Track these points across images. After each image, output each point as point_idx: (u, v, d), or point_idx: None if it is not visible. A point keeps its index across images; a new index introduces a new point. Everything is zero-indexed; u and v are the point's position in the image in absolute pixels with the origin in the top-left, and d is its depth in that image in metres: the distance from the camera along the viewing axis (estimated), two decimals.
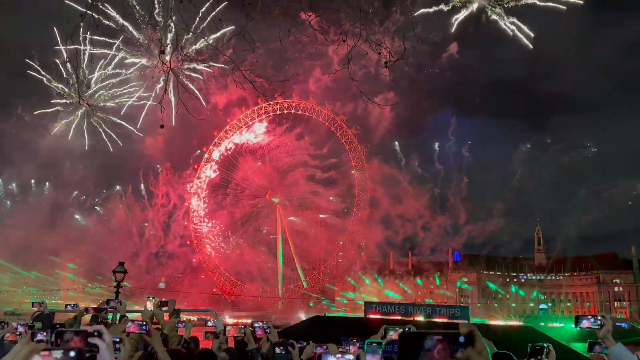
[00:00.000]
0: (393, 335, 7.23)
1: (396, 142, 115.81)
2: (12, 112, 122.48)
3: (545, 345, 5.67)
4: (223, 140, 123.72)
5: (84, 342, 3.04)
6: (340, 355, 3.72)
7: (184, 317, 12.91)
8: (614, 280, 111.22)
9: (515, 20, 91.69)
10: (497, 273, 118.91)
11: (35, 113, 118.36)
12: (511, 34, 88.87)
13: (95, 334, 3.03)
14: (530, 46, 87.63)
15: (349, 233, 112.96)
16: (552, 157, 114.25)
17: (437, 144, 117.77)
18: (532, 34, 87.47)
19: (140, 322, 6.23)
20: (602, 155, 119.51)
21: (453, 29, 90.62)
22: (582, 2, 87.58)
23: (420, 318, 45.66)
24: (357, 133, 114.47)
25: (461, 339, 2.11)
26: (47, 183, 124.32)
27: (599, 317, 5.61)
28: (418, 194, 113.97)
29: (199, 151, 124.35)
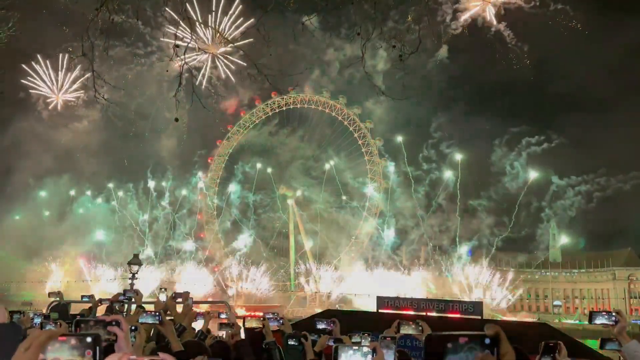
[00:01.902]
0: (406, 329, 7.20)
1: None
2: (32, 109, 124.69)
3: (557, 342, 5.61)
4: (236, 135, 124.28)
5: (103, 331, 3.11)
6: (357, 348, 3.68)
7: (198, 309, 12.97)
8: (630, 277, 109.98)
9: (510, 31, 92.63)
10: (511, 269, 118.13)
11: (49, 109, 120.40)
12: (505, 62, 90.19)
13: (114, 323, 3.10)
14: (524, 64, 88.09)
15: (360, 228, 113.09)
16: (524, 149, 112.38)
17: (430, 143, 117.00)
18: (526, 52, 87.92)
19: (154, 313, 6.29)
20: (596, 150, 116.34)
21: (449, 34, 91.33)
22: (580, 27, 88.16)
23: (433, 313, 45.44)
24: (371, 127, 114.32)
25: (487, 340, 2.09)
26: (62, 176, 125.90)
27: (614, 314, 5.54)
28: (411, 192, 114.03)
29: (201, 151, 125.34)
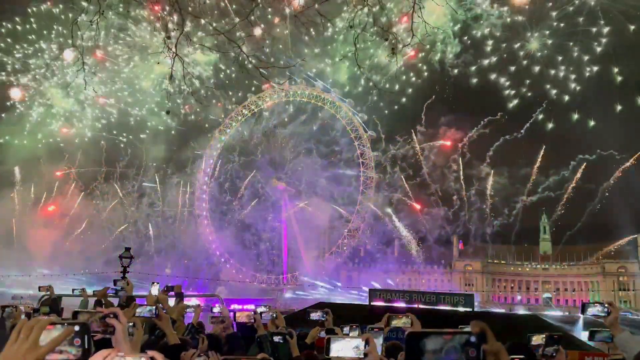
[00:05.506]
0: (397, 323, 7.22)
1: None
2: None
3: (561, 333, 5.62)
4: (229, 127, 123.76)
5: (101, 323, 3.08)
6: (349, 339, 3.67)
7: (190, 302, 12.92)
8: (619, 270, 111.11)
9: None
10: (502, 262, 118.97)
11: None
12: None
13: (112, 315, 3.07)
14: None
15: (354, 220, 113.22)
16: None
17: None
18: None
19: (150, 307, 6.27)
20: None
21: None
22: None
23: (423, 305, 45.64)
24: (364, 119, 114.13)
25: (472, 338, 1.99)
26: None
27: (606, 305, 5.56)
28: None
29: (192, 149, 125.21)
